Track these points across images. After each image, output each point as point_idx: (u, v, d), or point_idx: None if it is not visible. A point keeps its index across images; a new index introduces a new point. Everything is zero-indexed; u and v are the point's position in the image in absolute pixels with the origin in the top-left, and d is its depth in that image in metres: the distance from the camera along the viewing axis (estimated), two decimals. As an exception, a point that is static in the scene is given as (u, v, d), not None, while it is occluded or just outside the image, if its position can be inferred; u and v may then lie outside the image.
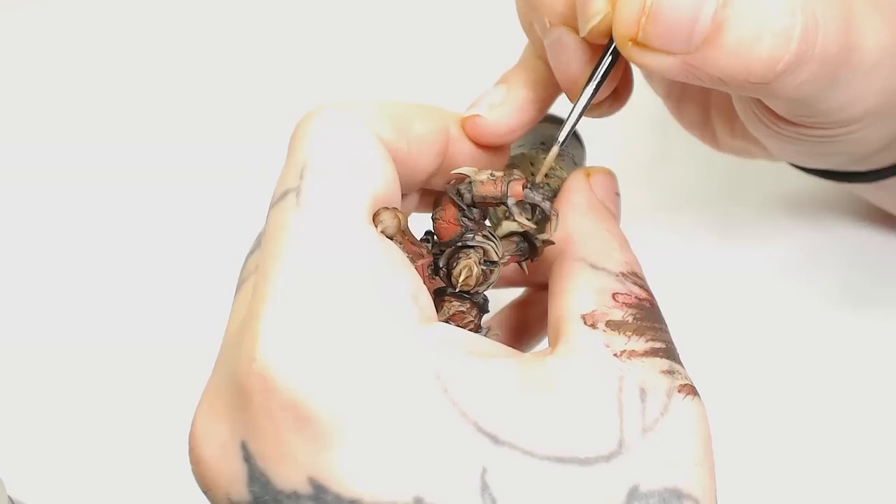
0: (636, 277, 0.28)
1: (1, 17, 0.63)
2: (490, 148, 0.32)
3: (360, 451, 0.22)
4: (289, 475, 0.22)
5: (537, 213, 0.29)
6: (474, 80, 0.36)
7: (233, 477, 0.23)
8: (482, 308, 0.29)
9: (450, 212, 0.28)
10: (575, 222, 0.30)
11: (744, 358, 0.42)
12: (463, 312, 0.28)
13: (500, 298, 0.39)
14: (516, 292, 0.38)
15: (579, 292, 0.27)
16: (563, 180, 0.33)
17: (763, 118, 0.33)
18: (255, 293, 0.24)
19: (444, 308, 0.28)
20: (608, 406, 0.24)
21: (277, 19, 0.61)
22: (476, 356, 0.24)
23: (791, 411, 0.41)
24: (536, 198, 0.28)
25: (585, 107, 0.29)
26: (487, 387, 0.23)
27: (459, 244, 0.28)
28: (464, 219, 0.28)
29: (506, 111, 0.32)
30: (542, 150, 0.35)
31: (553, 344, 0.27)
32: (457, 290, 0.28)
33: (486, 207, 0.28)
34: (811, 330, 0.43)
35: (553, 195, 0.32)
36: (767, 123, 0.33)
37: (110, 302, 0.48)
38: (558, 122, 0.36)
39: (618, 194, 0.32)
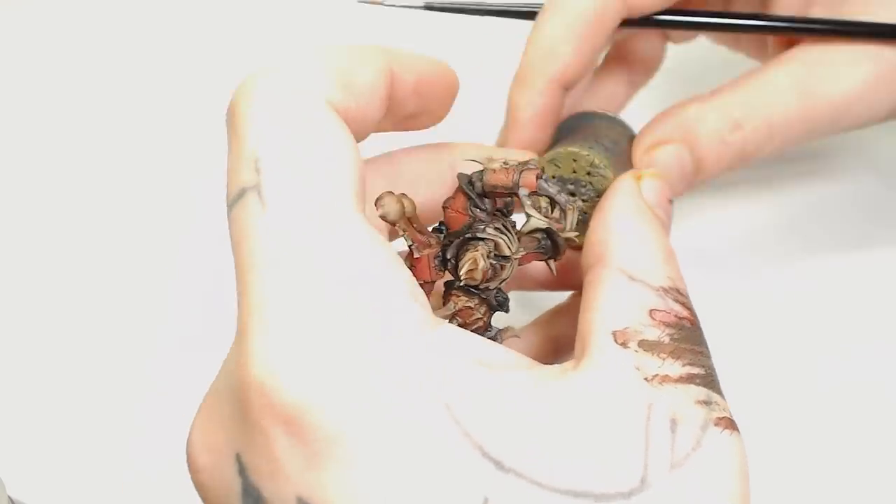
0: (678, 294, 0.26)
1: (1, 16, 0.63)
2: (438, 83, 0.28)
3: (352, 472, 0.20)
4: (279, 493, 0.21)
5: (559, 210, 0.27)
6: (475, 80, 0.36)
7: (228, 489, 0.22)
8: (496, 306, 0.27)
9: (459, 201, 0.26)
10: (616, 227, 0.28)
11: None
12: (470, 308, 0.26)
13: (540, 305, 0.37)
14: (557, 298, 0.36)
15: (613, 305, 0.25)
16: (608, 180, 0.30)
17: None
18: (240, 306, 0.22)
19: (451, 302, 0.26)
20: (633, 436, 0.22)
21: (278, 19, 0.61)
22: (485, 366, 0.22)
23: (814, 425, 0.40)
24: (551, 190, 0.26)
25: None
26: (495, 404, 0.21)
27: (468, 235, 0.26)
28: (474, 209, 0.26)
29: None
30: (593, 148, 0.32)
31: (578, 358, 0.24)
32: (462, 284, 0.26)
33: (500, 198, 0.26)
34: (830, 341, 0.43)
35: (597, 196, 0.30)
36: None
37: (110, 302, 0.48)
38: (619, 123, 0.35)
39: (671, 201, 0.30)
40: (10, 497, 0.34)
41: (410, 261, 0.26)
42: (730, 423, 0.23)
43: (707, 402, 0.23)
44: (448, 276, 0.27)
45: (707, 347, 0.25)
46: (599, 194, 0.30)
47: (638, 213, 0.28)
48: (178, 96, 0.58)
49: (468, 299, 0.26)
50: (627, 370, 0.23)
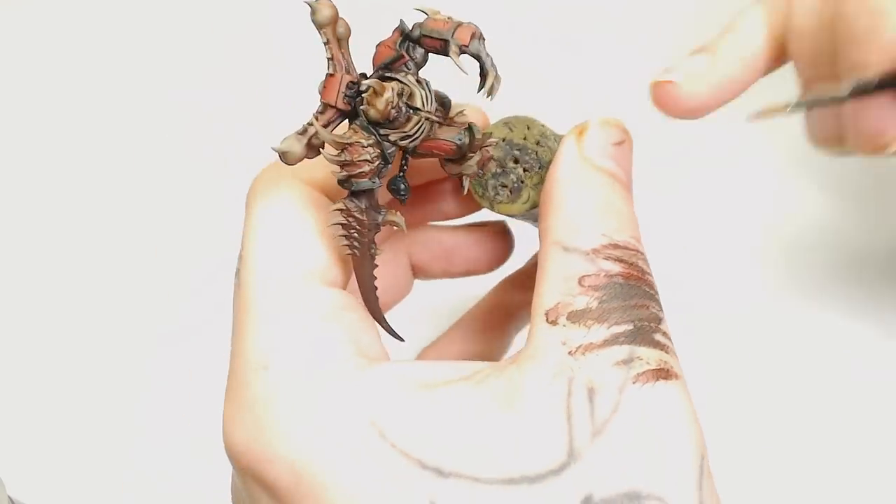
0: (612, 249, 0.26)
1: (1, 16, 0.63)
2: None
3: None
4: None
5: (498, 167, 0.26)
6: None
7: None
8: (386, 162, 0.25)
9: (393, 36, 0.25)
10: (553, 197, 0.27)
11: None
12: (361, 146, 0.24)
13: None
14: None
15: (547, 283, 0.25)
16: (554, 151, 0.29)
17: None
18: (229, 372, 0.25)
19: (347, 133, 0.25)
20: (556, 415, 0.23)
21: (281, 18, 0.61)
22: (425, 388, 0.24)
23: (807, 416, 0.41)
24: (482, 50, 0.25)
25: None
26: (429, 422, 0.23)
27: (387, 74, 0.25)
28: (402, 48, 0.25)
29: (706, 84, 0.29)
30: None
31: (522, 348, 0.25)
32: (362, 117, 0.24)
33: (431, 48, 0.25)
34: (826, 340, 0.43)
35: (539, 167, 0.29)
36: None
37: (110, 302, 0.48)
38: None
39: (620, 143, 0.28)
40: (10, 497, 0.34)
41: (325, 82, 0.25)
42: (654, 375, 0.23)
43: (627, 361, 0.24)
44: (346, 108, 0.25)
45: (645, 294, 0.25)
46: (542, 166, 0.29)
47: (575, 174, 0.27)
48: (179, 96, 0.58)
49: (364, 136, 0.25)
50: (554, 348, 0.24)
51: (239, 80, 0.58)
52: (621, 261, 0.25)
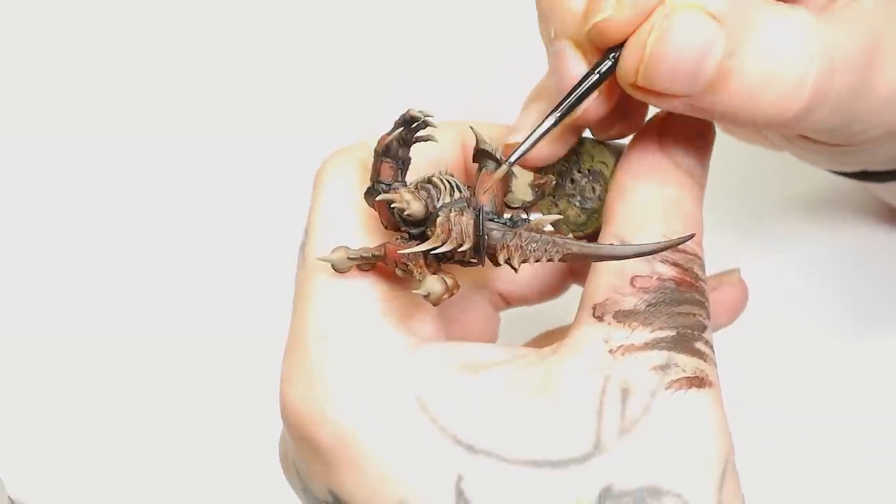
0: (668, 252, 0.26)
1: (1, 16, 0.63)
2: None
3: (356, 469, 0.25)
4: (317, 487, 0.26)
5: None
6: (482, 76, 0.36)
7: (295, 481, 0.28)
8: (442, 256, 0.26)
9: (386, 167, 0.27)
10: (618, 192, 0.27)
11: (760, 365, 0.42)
12: (443, 222, 0.25)
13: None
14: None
15: (599, 278, 0.26)
16: (609, 167, 0.29)
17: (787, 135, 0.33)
18: (289, 337, 0.27)
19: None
20: (589, 409, 0.24)
21: (285, 11, 0.61)
22: (466, 370, 0.25)
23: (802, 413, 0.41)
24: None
25: (562, 114, 0.27)
26: (468, 401, 0.24)
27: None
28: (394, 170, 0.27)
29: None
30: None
31: (567, 337, 0.26)
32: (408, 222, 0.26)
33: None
34: (818, 333, 0.43)
35: (603, 183, 0.29)
36: (787, 137, 0.33)
37: (110, 303, 0.48)
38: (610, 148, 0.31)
39: (700, 133, 0.28)
40: (10, 497, 0.34)
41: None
42: (688, 382, 0.24)
43: (664, 367, 0.24)
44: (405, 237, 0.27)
45: (694, 303, 0.26)
46: (607, 181, 0.29)
47: (644, 170, 0.28)
48: (179, 95, 0.57)
49: (439, 219, 0.25)
50: (596, 345, 0.25)
51: (244, 71, 0.58)
52: (677, 265, 0.26)
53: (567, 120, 0.27)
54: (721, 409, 0.25)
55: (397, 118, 0.26)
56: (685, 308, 0.25)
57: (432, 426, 0.24)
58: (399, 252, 0.26)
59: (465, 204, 0.26)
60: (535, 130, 0.27)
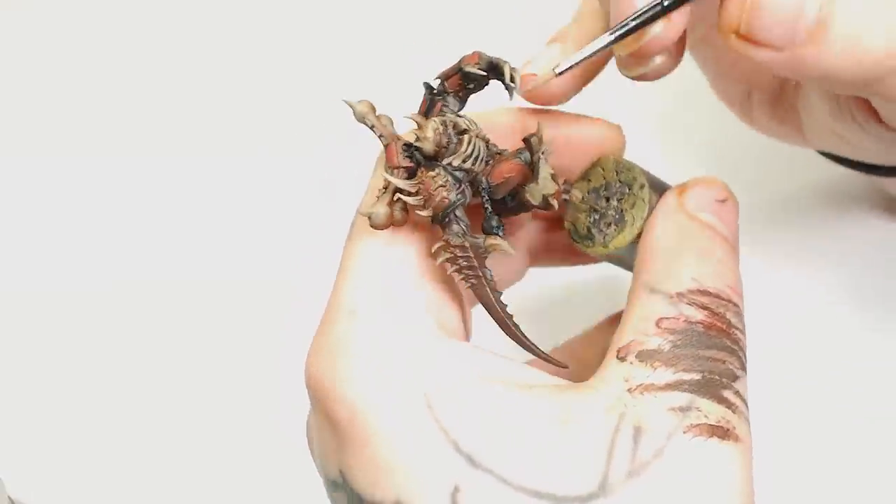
0: (700, 295, 0.26)
1: (1, 17, 0.63)
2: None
3: (363, 454, 0.24)
4: (330, 466, 0.26)
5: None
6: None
7: (317, 460, 0.28)
8: (462, 182, 0.27)
9: (423, 99, 0.28)
10: (649, 244, 0.28)
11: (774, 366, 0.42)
12: (430, 178, 0.26)
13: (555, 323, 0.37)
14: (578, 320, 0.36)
15: (627, 322, 0.26)
16: (634, 171, 0.30)
17: (857, 116, 0.32)
18: (326, 308, 0.27)
19: (417, 176, 0.26)
20: (600, 445, 0.23)
21: (283, 21, 0.61)
22: (484, 381, 0.24)
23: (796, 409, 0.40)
24: (487, 58, 0.27)
25: (620, 34, 0.27)
26: (476, 411, 0.24)
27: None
28: (439, 101, 0.28)
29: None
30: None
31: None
32: (414, 148, 0.26)
33: (455, 86, 0.28)
34: (817, 324, 0.43)
35: (629, 189, 0.30)
36: (861, 122, 0.32)
37: (110, 303, 0.48)
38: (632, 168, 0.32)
39: (722, 201, 0.29)
40: (10, 497, 0.34)
41: (385, 153, 0.27)
42: (710, 430, 0.23)
43: (685, 409, 0.24)
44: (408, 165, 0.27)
45: (723, 348, 0.25)
46: (632, 188, 0.30)
47: (673, 226, 0.28)
48: (181, 95, 0.57)
49: (432, 172, 0.26)
50: (616, 383, 0.24)
51: (243, 83, 0.58)
52: (706, 308, 0.26)
53: (628, 39, 0.27)
54: (748, 470, 0.24)
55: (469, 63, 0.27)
56: (714, 353, 0.25)
57: (435, 426, 0.24)
58: (389, 166, 0.26)
59: (466, 176, 0.26)
60: (591, 44, 0.27)
